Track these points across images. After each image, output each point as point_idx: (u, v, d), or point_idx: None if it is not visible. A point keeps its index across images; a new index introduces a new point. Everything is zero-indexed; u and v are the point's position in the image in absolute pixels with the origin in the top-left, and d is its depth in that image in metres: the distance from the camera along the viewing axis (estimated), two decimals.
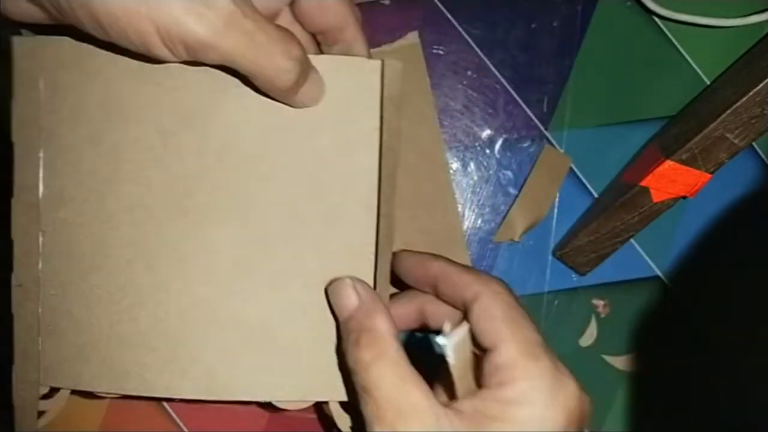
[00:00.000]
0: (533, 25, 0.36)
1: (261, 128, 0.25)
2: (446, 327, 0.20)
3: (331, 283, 0.26)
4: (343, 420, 0.27)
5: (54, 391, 0.27)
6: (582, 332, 0.37)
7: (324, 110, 0.26)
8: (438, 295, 0.26)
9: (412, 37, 0.35)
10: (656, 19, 0.36)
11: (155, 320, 0.25)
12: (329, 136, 0.26)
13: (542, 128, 0.36)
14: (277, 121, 0.25)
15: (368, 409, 0.22)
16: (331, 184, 0.26)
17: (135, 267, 0.25)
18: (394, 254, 0.28)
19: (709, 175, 0.32)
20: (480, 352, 0.24)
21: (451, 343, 0.20)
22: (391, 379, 0.22)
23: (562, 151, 0.36)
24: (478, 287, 0.24)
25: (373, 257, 0.26)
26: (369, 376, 0.22)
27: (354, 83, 0.26)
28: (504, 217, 0.36)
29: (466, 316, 0.25)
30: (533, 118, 0.36)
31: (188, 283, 0.25)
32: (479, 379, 0.23)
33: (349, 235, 0.26)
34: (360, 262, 0.26)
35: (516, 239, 0.36)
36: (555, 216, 0.36)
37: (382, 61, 0.26)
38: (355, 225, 0.26)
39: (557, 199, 0.36)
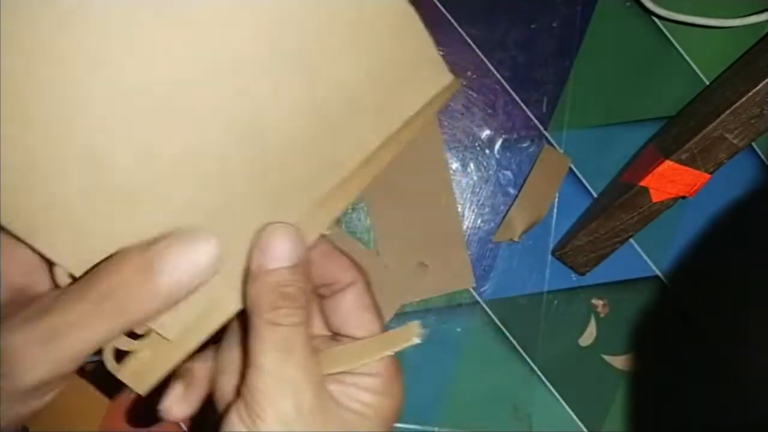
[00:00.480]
0: (533, 26, 0.36)
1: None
2: None
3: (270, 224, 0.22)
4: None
5: None
6: (581, 332, 0.37)
7: None
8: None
9: None
10: (655, 19, 0.36)
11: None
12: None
13: (542, 128, 0.36)
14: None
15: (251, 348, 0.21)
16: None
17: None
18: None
19: (709, 175, 0.32)
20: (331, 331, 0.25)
21: None
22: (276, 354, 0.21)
23: (561, 151, 0.36)
24: (357, 275, 0.25)
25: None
26: (291, 341, 0.21)
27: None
28: (503, 217, 0.36)
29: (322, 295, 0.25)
30: (533, 118, 0.36)
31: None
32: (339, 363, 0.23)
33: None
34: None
35: (515, 239, 0.36)
36: (554, 216, 0.36)
37: None
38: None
39: (556, 199, 0.36)
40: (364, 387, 0.23)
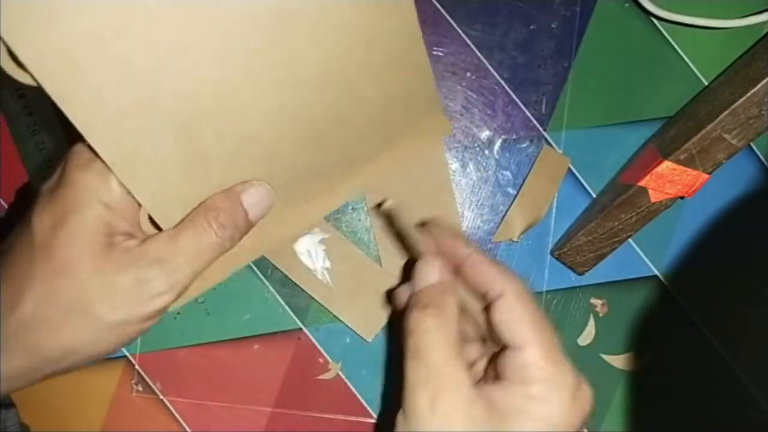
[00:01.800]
0: (532, 27, 0.36)
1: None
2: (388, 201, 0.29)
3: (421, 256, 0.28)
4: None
5: None
6: (581, 331, 0.37)
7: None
8: (457, 274, 0.28)
9: None
10: (654, 20, 0.36)
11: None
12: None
13: (541, 129, 0.36)
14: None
15: (415, 371, 0.24)
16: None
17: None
18: (429, 222, 0.30)
19: (707, 176, 0.32)
20: (497, 346, 0.26)
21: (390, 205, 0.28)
22: (446, 351, 0.24)
23: (560, 151, 0.36)
24: (505, 284, 0.25)
25: None
26: (426, 341, 0.24)
27: None
28: (503, 218, 0.36)
29: (487, 307, 0.26)
30: (532, 118, 0.36)
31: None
32: (502, 372, 0.25)
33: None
34: None
35: (515, 239, 0.36)
36: (553, 216, 0.36)
37: None
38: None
39: (555, 199, 0.36)
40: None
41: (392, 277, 0.36)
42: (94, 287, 0.24)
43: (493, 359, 0.26)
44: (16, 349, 0.24)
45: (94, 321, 0.24)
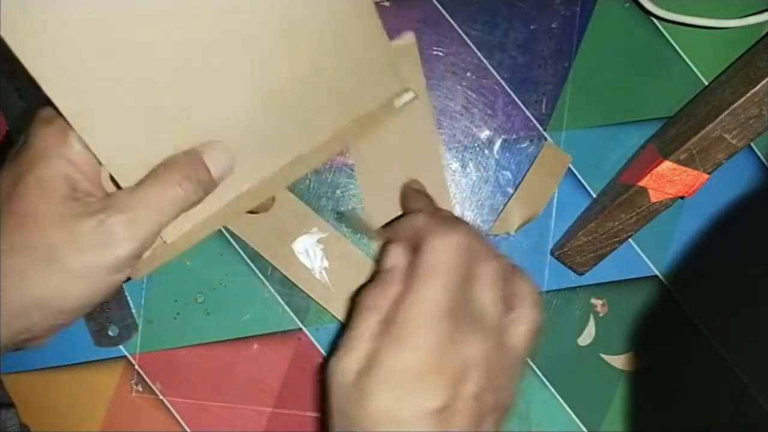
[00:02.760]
0: (532, 27, 0.36)
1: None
2: None
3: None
4: None
5: None
6: (581, 331, 0.37)
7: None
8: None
9: (409, 37, 0.35)
10: (654, 20, 0.36)
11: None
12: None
13: (541, 129, 0.36)
14: None
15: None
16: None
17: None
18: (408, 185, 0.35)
19: (707, 176, 0.32)
20: None
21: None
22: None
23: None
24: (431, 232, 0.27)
25: None
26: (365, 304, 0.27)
27: None
28: (500, 211, 0.36)
29: None
30: (532, 118, 0.36)
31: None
32: None
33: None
34: None
35: (512, 233, 0.36)
36: (553, 216, 0.36)
37: None
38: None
39: (555, 199, 0.36)
40: None
41: None
42: (57, 233, 0.24)
43: None
44: None
45: (60, 267, 0.24)
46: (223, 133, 0.28)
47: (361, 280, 0.35)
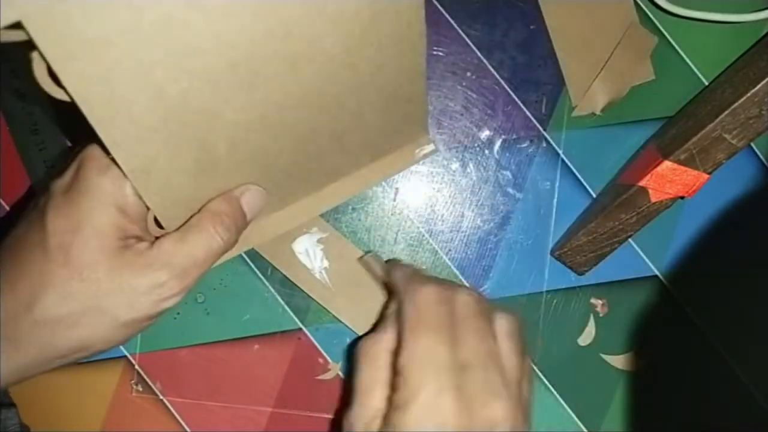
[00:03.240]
0: (532, 27, 0.36)
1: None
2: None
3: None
4: None
5: None
6: (581, 331, 0.37)
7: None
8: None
9: None
10: (654, 20, 0.36)
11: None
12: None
13: (541, 129, 0.36)
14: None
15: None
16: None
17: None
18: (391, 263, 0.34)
19: (707, 176, 0.32)
20: None
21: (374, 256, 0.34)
22: (370, 375, 0.27)
23: (560, 149, 0.36)
24: (406, 287, 0.28)
25: None
26: (359, 360, 0.27)
27: None
28: (585, 91, 0.35)
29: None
30: (532, 118, 0.36)
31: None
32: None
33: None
34: None
35: (597, 112, 0.36)
36: (553, 216, 0.36)
37: None
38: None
39: (555, 199, 0.36)
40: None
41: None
42: (111, 289, 0.25)
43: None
44: (31, 345, 0.25)
45: (111, 320, 0.26)
46: (259, 177, 0.30)
47: (361, 281, 0.36)
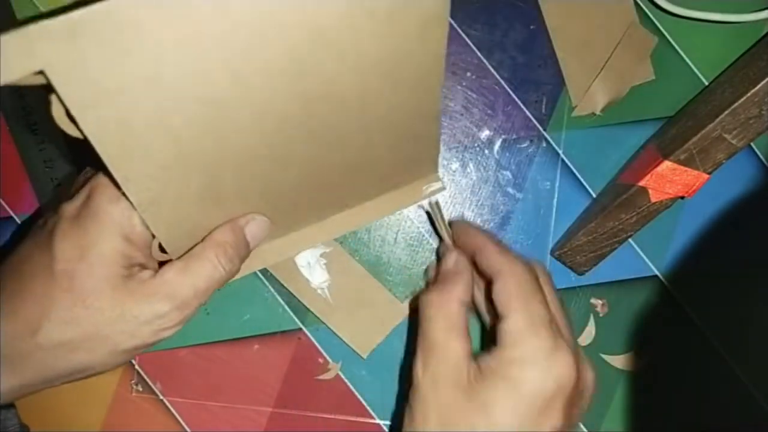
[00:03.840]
0: (532, 27, 0.36)
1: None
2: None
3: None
4: None
5: None
6: (581, 331, 0.37)
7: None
8: (474, 262, 0.31)
9: None
10: (655, 20, 0.36)
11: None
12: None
13: (541, 129, 0.36)
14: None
15: (419, 339, 0.28)
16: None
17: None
18: (452, 221, 0.35)
19: (707, 176, 0.32)
20: (495, 318, 0.28)
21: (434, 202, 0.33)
22: (442, 322, 0.28)
23: (560, 150, 0.36)
24: (503, 265, 0.28)
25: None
26: (427, 313, 0.28)
27: None
28: (585, 91, 0.36)
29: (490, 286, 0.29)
30: (532, 118, 0.36)
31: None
32: (494, 341, 0.27)
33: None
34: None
35: (597, 112, 0.36)
36: (553, 216, 0.36)
37: None
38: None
39: (555, 199, 0.36)
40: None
41: (391, 294, 0.36)
42: (114, 317, 0.26)
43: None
44: (32, 367, 0.26)
45: (111, 347, 0.26)
46: (265, 206, 0.30)
47: (361, 298, 0.36)
